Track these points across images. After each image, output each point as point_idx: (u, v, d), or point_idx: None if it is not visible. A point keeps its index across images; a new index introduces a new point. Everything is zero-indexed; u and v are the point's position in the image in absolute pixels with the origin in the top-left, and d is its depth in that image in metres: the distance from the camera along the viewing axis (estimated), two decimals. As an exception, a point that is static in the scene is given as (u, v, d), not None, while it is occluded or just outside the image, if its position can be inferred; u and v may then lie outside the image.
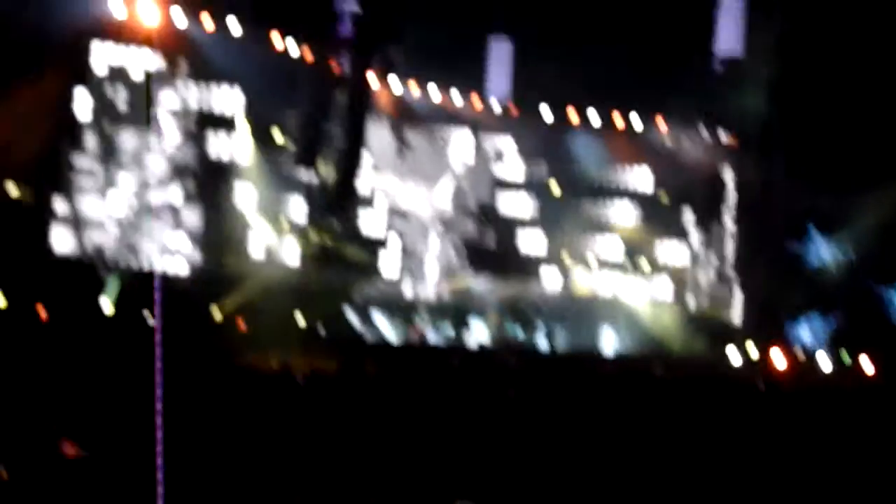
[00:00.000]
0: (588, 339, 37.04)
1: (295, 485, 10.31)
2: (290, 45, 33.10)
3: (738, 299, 40.39)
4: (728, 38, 37.77)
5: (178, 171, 31.93)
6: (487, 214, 38.31)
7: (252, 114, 33.14)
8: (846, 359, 36.26)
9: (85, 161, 30.72)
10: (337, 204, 34.57)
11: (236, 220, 33.33)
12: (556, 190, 38.92)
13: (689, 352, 35.77)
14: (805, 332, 38.33)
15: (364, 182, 35.42)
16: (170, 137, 31.86)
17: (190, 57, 31.36)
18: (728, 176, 40.00)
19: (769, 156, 37.69)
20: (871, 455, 13.15)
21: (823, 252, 39.03)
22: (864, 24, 33.82)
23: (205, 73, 31.76)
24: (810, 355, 37.27)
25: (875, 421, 16.95)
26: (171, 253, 31.86)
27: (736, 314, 40.19)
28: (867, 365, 35.01)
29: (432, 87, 37.22)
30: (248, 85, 32.65)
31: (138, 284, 29.33)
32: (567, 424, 14.46)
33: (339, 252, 34.91)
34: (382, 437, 12.54)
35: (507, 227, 38.63)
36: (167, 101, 31.77)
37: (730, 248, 40.40)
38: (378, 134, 36.11)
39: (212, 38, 31.46)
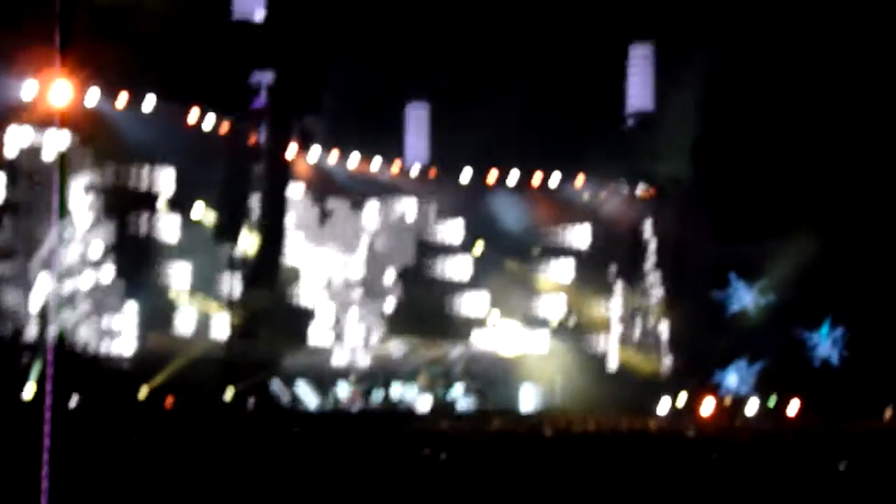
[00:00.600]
0: (517, 397, 37.04)
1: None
2: (206, 120, 33.04)
3: (665, 350, 40.70)
4: (639, 94, 38.39)
5: (98, 252, 31.58)
6: (411, 278, 38.33)
7: (172, 190, 32.99)
8: (772, 402, 36.68)
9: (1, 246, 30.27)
10: (261, 276, 34.33)
11: (161, 297, 33.02)
12: (478, 250, 39.08)
13: (619, 405, 35.78)
14: (732, 378, 38.66)
15: (287, 253, 35.27)
16: (87, 218, 31.53)
17: (105, 136, 31.12)
18: (648, 229, 40.44)
19: (687, 208, 38.22)
20: (798, 493, 13.29)
21: (746, 299, 39.49)
22: (770, 77, 34.58)
23: (121, 151, 31.53)
24: (738, 401, 37.61)
25: (799, 461, 17.16)
26: (96, 334, 31.43)
27: (664, 365, 40.48)
28: (792, 407, 35.48)
29: (352, 155, 37.33)
30: (167, 161, 32.52)
31: (60, 367, 28.81)
32: (500, 483, 14.41)
33: (266, 324, 34.65)
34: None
35: (431, 290, 38.65)
36: (83, 182, 31.45)
37: (654, 300, 40.76)
38: (300, 204, 36.10)
39: (126, 116, 31.28)
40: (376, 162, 37.85)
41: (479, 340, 38.66)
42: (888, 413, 33.59)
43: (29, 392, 28.01)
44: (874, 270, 35.84)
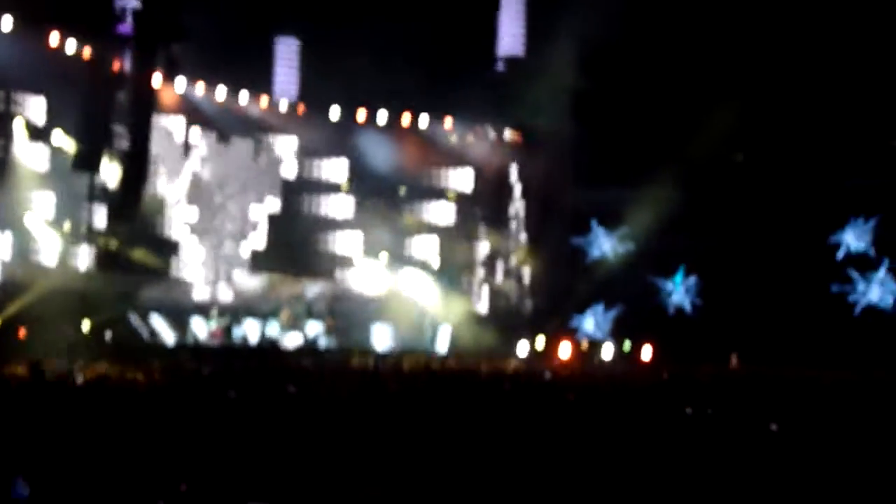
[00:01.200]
0: (374, 335, 37.13)
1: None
2: (68, 44, 32.01)
3: (526, 293, 41.25)
4: (510, 39, 38.54)
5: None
6: (277, 214, 37.99)
7: (32, 116, 32.00)
8: (627, 347, 37.57)
9: None
10: (123, 208, 33.59)
11: (20, 226, 32.12)
12: (346, 188, 38.90)
13: (480, 346, 36.22)
14: (590, 323, 39.43)
15: (150, 184, 34.56)
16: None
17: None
18: (514, 174, 40.78)
19: (552, 154, 38.61)
20: (648, 433, 13.62)
21: (605, 246, 40.19)
22: (640, 20, 34.92)
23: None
24: (595, 345, 38.40)
25: (652, 405, 17.63)
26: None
27: (525, 308, 41.05)
28: (645, 352, 36.42)
29: (220, 88, 36.66)
30: (26, 85, 31.48)
31: None
32: (357, 419, 14.43)
33: (127, 256, 34.02)
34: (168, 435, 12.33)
35: (297, 227, 38.38)
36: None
37: (518, 243, 41.21)
38: (164, 135, 35.35)
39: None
40: (244, 96, 37.23)
41: (345, 279, 38.61)
42: (734, 359, 34.71)
43: None
44: (727, 222, 36.82)
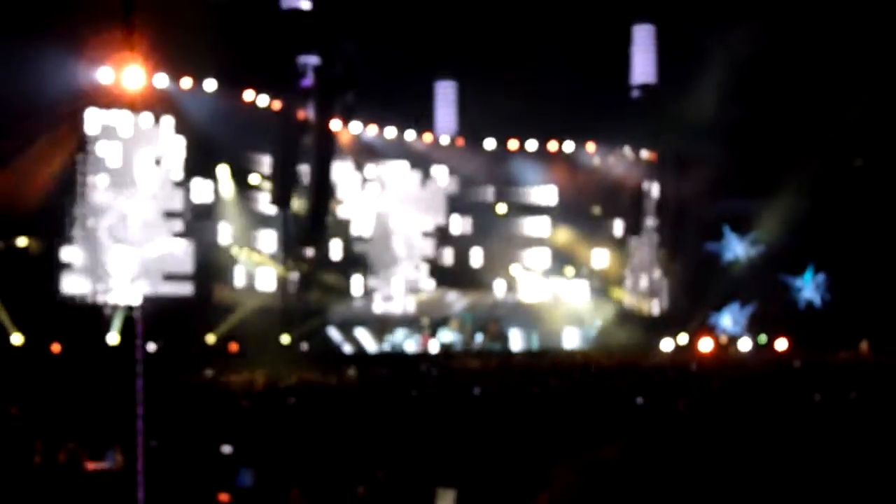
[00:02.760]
0: (539, 339, 37.16)
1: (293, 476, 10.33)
2: (259, 99, 33.15)
3: (667, 296, 40.74)
4: (642, 68, 38.23)
5: (169, 216, 31.80)
6: (444, 235, 38.45)
7: (231, 161, 33.13)
8: (763, 340, 36.73)
9: (84, 213, 30.52)
10: (311, 235, 34.52)
11: (222, 254, 33.22)
12: (501, 209, 39.15)
13: (628, 344, 35.88)
14: (727, 319, 38.73)
15: (335, 213, 35.44)
16: (157, 187, 31.73)
17: (172, 114, 31.24)
18: (651, 188, 40.38)
19: (685, 168, 38.09)
20: (784, 414, 13.36)
21: (738, 250, 39.47)
22: (762, 40, 34.23)
23: (186, 128, 31.65)
24: (733, 339, 37.70)
25: (787, 389, 17.26)
26: (166, 287, 31.73)
27: (667, 309, 40.54)
28: (780, 344, 35.50)
29: (389, 128, 37.38)
30: (226, 136, 32.61)
31: (138, 318, 29.14)
32: (527, 412, 14.47)
33: (317, 277, 34.91)
34: (371, 433, 12.59)
35: (460, 245, 38.80)
36: (154, 155, 31.63)
37: (657, 251, 40.74)
38: (344, 171, 36.20)
39: (191, 96, 31.38)
40: (410, 133, 37.86)
41: (503, 290, 38.78)
42: (864, 345, 33.52)
43: (113, 339, 28.40)
44: (850, 222, 35.72)
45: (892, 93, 33.98)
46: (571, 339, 37.46)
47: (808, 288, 38.38)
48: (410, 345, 35.23)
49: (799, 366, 24.55)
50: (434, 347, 35.23)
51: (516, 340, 36.59)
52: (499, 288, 38.65)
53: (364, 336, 34.92)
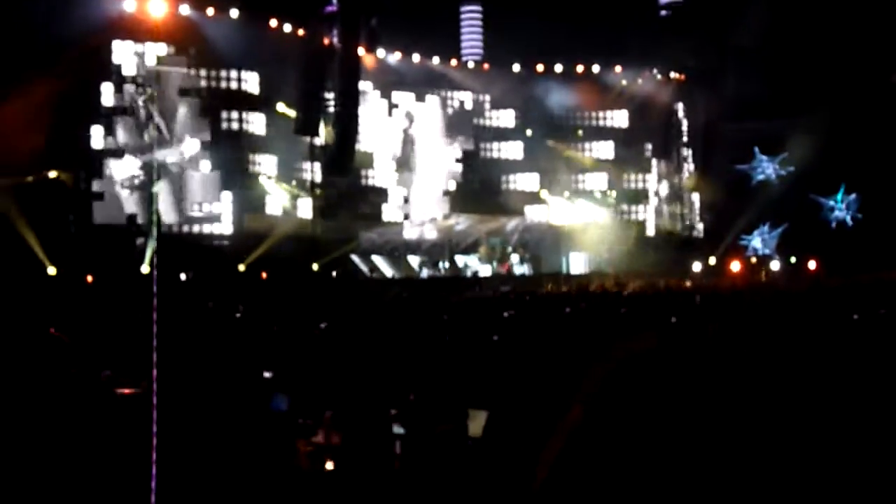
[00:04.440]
0: (567, 262, 37.10)
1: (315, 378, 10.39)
2: (284, 26, 32.79)
3: (697, 218, 40.47)
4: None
5: (195, 149, 31.73)
6: (470, 160, 38.22)
7: (258, 89, 32.90)
8: (793, 260, 36.47)
9: (113, 144, 30.49)
10: (338, 163, 34.32)
11: (252, 185, 33.18)
12: (529, 132, 38.81)
13: (658, 267, 35.72)
14: (757, 241, 38.48)
15: (360, 140, 35.21)
16: (187, 118, 31.63)
17: (197, 44, 30.97)
18: (680, 110, 39.91)
19: (714, 89, 37.54)
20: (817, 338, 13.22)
21: (768, 171, 39.02)
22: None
23: (212, 56, 31.38)
24: (763, 260, 37.48)
25: (816, 307, 17.13)
26: (198, 216, 31.80)
27: (697, 231, 40.33)
28: (811, 264, 35.25)
29: (414, 55, 36.95)
30: (250, 64, 32.35)
31: (170, 246, 29.32)
32: (557, 333, 14.43)
33: (345, 205, 34.87)
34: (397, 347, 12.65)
35: (487, 170, 38.59)
36: (181, 84, 31.46)
37: (687, 173, 40.39)
38: (370, 97, 35.92)
39: (215, 23, 31.06)
40: (435, 59, 37.43)
41: (532, 214, 38.62)
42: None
43: (146, 268, 28.53)
44: (883, 141, 35.13)
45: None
46: (600, 262, 37.30)
47: (840, 208, 37.95)
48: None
49: (832, 286, 24.31)
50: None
51: (545, 264, 36.47)
52: (527, 212, 38.48)
53: (384, 263, 34.84)
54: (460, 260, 35.77)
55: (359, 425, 8.52)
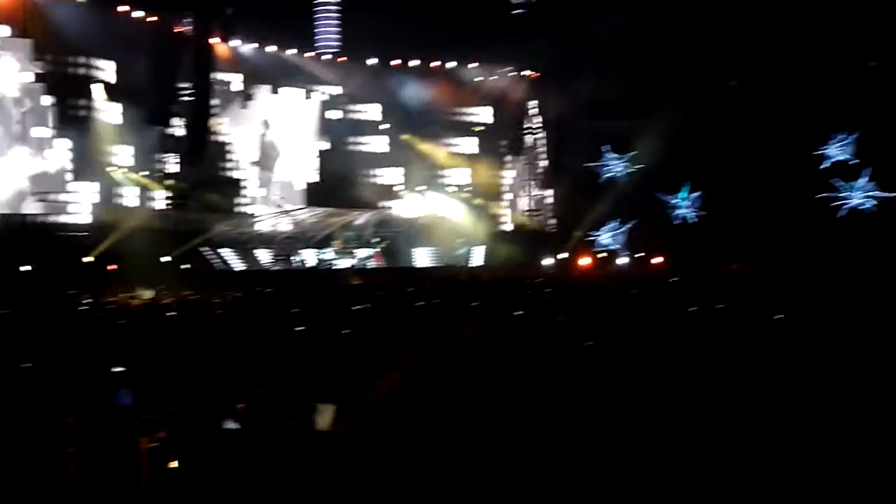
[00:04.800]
0: (422, 255, 37.26)
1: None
2: (134, 12, 31.97)
3: (548, 213, 41.27)
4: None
5: (47, 135, 30.66)
6: (327, 153, 38.04)
7: (114, 78, 32.03)
8: (639, 255, 37.60)
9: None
10: (191, 154, 33.75)
11: (105, 174, 32.30)
12: (388, 126, 38.89)
13: (510, 260, 36.23)
14: (606, 237, 39.45)
15: (214, 131, 34.68)
16: (31, 105, 30.52)
17: (41, 26, 29.90)
18: (533, 108, 40.58)
19: (567, 88, 38.30)
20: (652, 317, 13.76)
21: (616, 169, 40.06)
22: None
23: (56, 40, 30.34)
24: (611, 254, 38.52)
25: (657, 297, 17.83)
26: (46, 207, 30.79)
27: (548, 226, 41.10)
28: (655, 259, 36.42)
29: (270, 46, 36.57)
30: (101, 51, 31.46)
31: (12, 237, 28.28)
32: (406, 326, 14.53)
33: (197, 197, 34.24)
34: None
35: (345, 163, 38.48)
36: (21, 69, 30.31)
37: (540, 170, 41.14)
38: (223, 89, 35.38)
39: (59, 7, 30.04)
40: (291, 51, 37.12)
41: (389, 207, 38.70)
42: (735, 265, 34.58)
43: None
44: (725, 142, 36.54)
45: (766, 13, 34.65)
46: (452, 256, 37.60)
47: (684, 206, 39.28)
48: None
49: (672, 279, 25.19)
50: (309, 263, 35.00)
51: (398, 258, 36.57)
52: (381, 206, 38.53)
53: (235, 256, 34.32)
54: (314, 253, 35.51)
55: (183, 422, 8.45)
